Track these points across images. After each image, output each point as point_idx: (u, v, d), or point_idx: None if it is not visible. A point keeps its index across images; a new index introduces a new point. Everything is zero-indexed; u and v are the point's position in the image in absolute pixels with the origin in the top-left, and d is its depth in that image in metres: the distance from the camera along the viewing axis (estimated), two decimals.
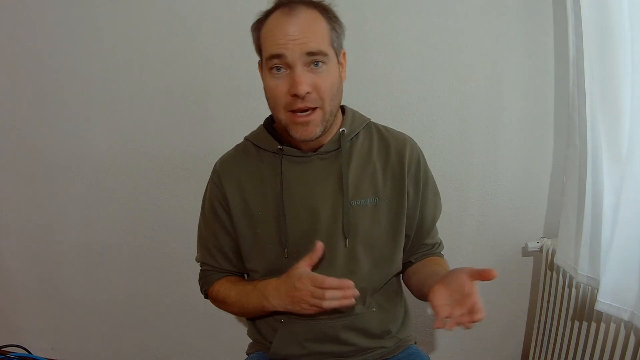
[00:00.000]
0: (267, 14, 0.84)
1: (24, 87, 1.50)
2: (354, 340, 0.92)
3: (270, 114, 0.97)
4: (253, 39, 0.87)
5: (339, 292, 0.80)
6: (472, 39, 1.35)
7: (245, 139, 0.98)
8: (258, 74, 1.38)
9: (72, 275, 1.62)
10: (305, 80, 0.79)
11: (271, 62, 0.81)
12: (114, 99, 1.48)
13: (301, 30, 0.79)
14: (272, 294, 0.88)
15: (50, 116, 1.51)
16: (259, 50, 0.86)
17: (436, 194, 1.01)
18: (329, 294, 0.79)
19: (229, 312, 1.01)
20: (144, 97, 1.47)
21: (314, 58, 0.80)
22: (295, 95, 0.80)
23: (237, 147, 0.99)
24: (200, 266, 1.04)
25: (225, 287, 0.97)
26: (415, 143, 0.97)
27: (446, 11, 1.34)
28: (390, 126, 1.01)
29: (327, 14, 0.84)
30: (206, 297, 1.04)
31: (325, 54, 0.81)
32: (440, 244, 1.05)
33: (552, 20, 1.31)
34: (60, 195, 1.56)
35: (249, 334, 1.05)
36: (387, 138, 0.95)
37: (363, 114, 0.99)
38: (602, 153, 1.04)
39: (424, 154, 0.99)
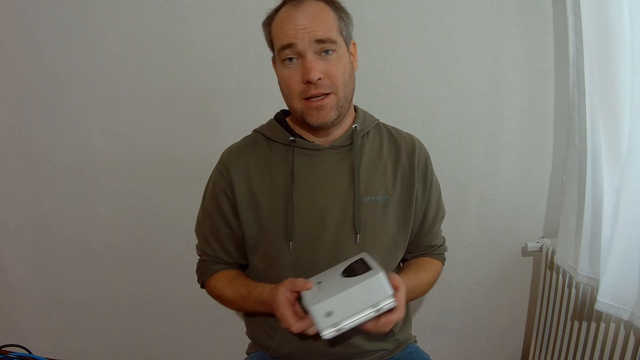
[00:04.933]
0: (276, 10, 0.87)
1: (24, 87, 1.50)
2: (355, 342, 0.91)
3: (278, 110, 0.99)
4: (265, 35, 0.90)
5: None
6: (472, 39, 1.35)
7: (255, 131, 0.98)
8: (258, 74, 1.41)
9: (72, 275, 1.62)
10: (317, 67, 0.81)
11: (283, 54, 0.83)
12: (114, 99, 1.48)
13: (309, 19, 0.81)
14: (268, 301, 0.84)
15: (50, 116, 1.51)
16: (271, 44, 0.89)
17: (439, 196, 1.02)
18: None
19: (224, 305, 1.00)
20: (144, 97, 1.47)
21: (323, 45, 0.82)
22: (308, 82, 0.82)
23: (246, 139, 0.99)
24: (199, 255, 1.03)
25: (222, 284, 0.96)
26: (423, 144, 1.00)
27: (446, 11, 1.34)
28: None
29: (334, 4, 0.86)
30: (202, 286, 1.03)
31: (334, 41, 0.83)
32: (441, 246, 1.05)
33: (552, 20, 1.31)
34: (61, 195, 1.56)
35: (248, 334, 1.04)
36: (397, 138, 0.97)
37: None
38: (602, 153, 1.04)
39: None
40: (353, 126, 0.92)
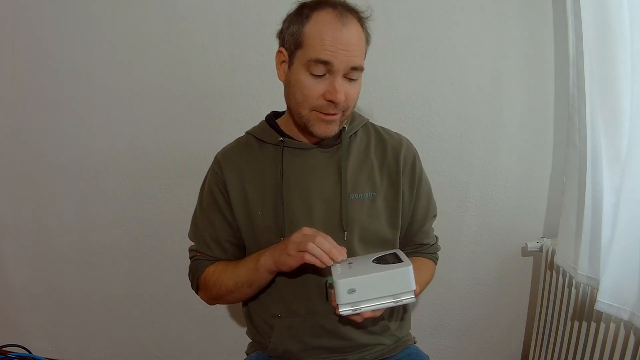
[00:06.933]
0: (311, 8, 0.83)
1: (24, 87, 1.50)
2: (352, 335, 0.92)
3: (270, 111, 1.00)
4: (291, 29, 0.84)
5: (326, 248, 0.79)
6: (472, 39, 1.35)
7: (247, 132, 1.00)
8: (258, 74, 1.41)
9: (72, 275, 1.62)
10: (343, 90, 0.83)
11: (315, 66, 0.81)
12: (115, 99, 1.48)
13: (351, 42, 0.82)
14: (268, 251, 0.87)
15: (50, 116, 1.51)
16: (296, 43, 0.83)
17: (429, 195, 1.03)
18: (311, 246, 0.78)
19: (220, 294, 0.94)
20: (144, 97, 1.47)
21: (354, 72, 0.84)
22: (331, 101, 0.83)
23: (239, 140, 1.00)
24: (191, 258, 1.01)
25: (221, 264, 0.96)
26: (411, 143, 1.01)
27: (446, 11, 1.34)
28: (390, 126, 1.03)
29: (364, 28, 0.87)
30: (197, 290, 1.00)
31: (362, 69, 0.86)
32: (432, 245, 1.06)
33: (552, 20, 1.31)
34: (61, 195, 1.56)
35: (247, 333, 1.05)
36: (384, 138, 0.99)
37: (363, 113, 1.02)
38: (601, 153, 1.04)
39: (424, 154, 1.01)
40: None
